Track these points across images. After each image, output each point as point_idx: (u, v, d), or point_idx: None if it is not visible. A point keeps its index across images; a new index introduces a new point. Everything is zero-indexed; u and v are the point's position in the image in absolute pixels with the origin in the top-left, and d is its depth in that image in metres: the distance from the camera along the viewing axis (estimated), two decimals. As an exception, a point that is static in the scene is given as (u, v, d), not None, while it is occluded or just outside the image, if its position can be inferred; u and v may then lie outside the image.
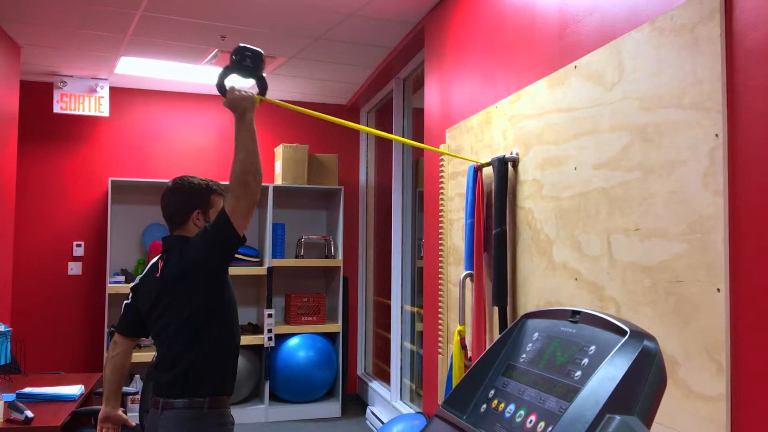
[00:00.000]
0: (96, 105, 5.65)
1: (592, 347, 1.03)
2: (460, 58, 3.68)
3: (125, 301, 2.59)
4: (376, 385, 6.01)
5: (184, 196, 2.49)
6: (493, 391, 1.20)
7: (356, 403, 6.26)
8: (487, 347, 3.02)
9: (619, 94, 2.15)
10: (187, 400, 2.31)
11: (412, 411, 4.88)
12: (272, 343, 5.74)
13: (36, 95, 5.63)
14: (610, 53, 2.21)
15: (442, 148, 3.78)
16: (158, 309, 2.43)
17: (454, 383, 3.12)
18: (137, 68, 5.45)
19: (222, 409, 2.38)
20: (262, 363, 5.86)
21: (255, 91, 2.36)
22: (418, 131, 5.38)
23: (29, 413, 2.97)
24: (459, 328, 3.19)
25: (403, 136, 5.56)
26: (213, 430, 2.33)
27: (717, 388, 1.69)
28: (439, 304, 3.73)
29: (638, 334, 0.97)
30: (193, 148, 6.18)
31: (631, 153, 2.08)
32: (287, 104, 2.52)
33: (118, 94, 5.88)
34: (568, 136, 2.45)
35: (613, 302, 2.13)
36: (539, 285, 2.63)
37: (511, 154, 2.87)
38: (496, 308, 2.90)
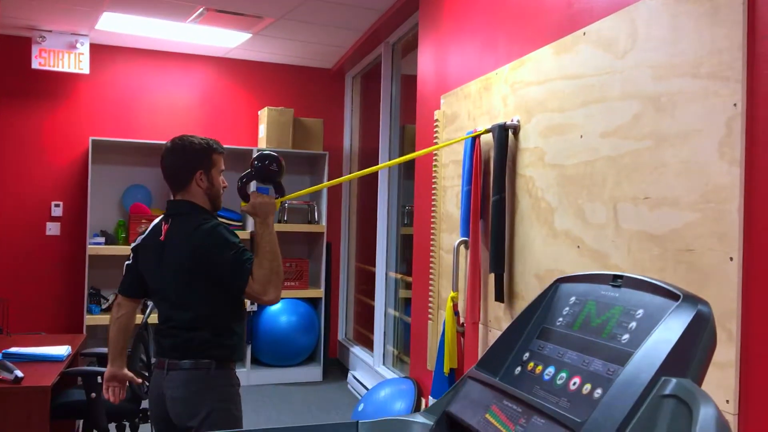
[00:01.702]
0: (76, 62, 5.49)
1: (640, 311, 1.03)
2: (457, 22, 3.64)
3: (126, 262, 2.54)
4: (357, 350, 6.05)
5: (185, 157, 2.42)
6: (527, 354, 1.20)
7: (337, 368, 6.30)
8: (481, 314, 3.06)
9: (631, 62, 2.14)
10: (193, 361, 2.30)
11: (395, 376, 4.91)
12: (254, 307, 5.73)
13: (14, 50, 5.46)
14: (623, 20, 2.19)
15: (436, 114, 3.75)
16: (160, 272, 2.39)
17: (447, 348, 3.15)
18: (119, 25, 5.29)
19: (228, 370, 2.38)
20: (244, 327, 5.84)
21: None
22: (406, 97, 5.35)
23: (19, 373, 2.92)
24: (452, 294, 3.20)
25: (390, 103, 5.51)
26: (220, 391, 2.32)
27: (727, 355, 1.72)
28: (431, 270, 3.73)
29: (692, 298, 0.97)
30: (176, 108, 6.06)
31: (643, 122, 2.08)
32: (302, 192, 2.62)
33: (99, 51, 5.72)
34: (574, 104, 2.44)
35: (618, 270, 2.14)
36: (539, 253, 2.64)
37: (512, 121, 2.86)
38: (491, 275, 2.92)
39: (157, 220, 2.52)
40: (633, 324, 1.03)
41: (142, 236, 2.53)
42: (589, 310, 1.13)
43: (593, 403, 0.98)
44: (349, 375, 5.89)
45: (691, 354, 0.93)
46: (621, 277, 1.13)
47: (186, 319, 2.34)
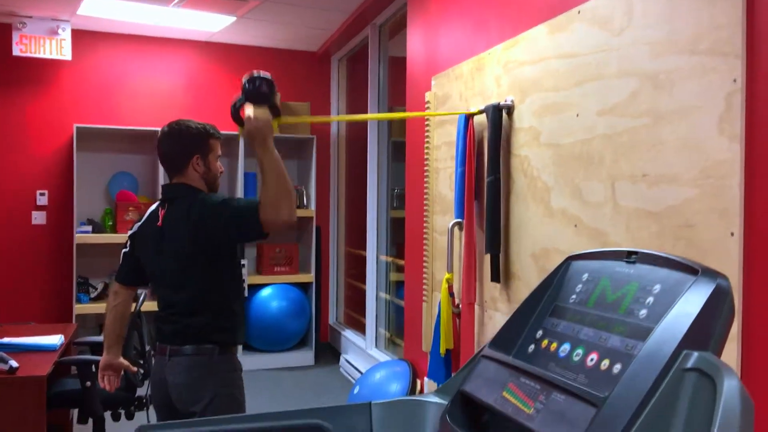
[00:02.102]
0: (57, 48, 5.40)
1: (657, 286, 1.04)
2: (447, 2, 3.62)
3: (123, 250, 2.51)
4: (348, 334, 6.06)
5: (181, 142, 2.40)
6: (541, 332, 1.20)
7: (328, 352, 6.31)
8: (477, 294, 3.07)
9: (628, 39, 2.14)
10: (194, 347, 2.29)
11: (389, 358, 4.93)
12: (246, 294, 5.71)
13: (-7, 36, 5.36)
14: (618, -2, 2.18)
15: (427, 96, 3.74)
16: (159, 258, 2.37)
17: (443, 330, 3.16)
18: (101, 9, 5.21)
19: (231, 354, 2.37)
20: (243, 308, 5.81)
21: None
22: (394, 80, 5.32)
23: (14, 363, 2.89)
24: (447, 276, 3.21)
25: (378, 86, 5.48)
26: (223, 376, 2.32)
27: (729, 329, 1.73)
28: (424, 253, 3.74)
29: (710, 272, 0.98)
30: (161, 94, 5.98)
31: (640, 99, 2.08)
32: (304, 119, 2.43)
33: (81, 36, 5.62)
34: (569, 83, 2.43)
35: (617, 247, 2.16)
36: (535, 232, 2.65)
37: (506, 101, 2.85)
38: (486, 256, 2.92)
39: (153, 207, 2.49)
40: (650, 299, 1.04)
41: (139, 224, 2.50)
42: (604, 287, 1.13)
43: (613, 379, 0.98)
44: (341, 359, 5.91)
45: (712, 328, 0.94)
46: (636, 253, 1.13)
47: (185, 303, 2.32)
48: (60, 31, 5.38)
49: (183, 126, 2.40)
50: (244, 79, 2.20)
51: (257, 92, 2.19)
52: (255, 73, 2.20)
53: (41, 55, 5.36)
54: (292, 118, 2.41)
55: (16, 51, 5.27)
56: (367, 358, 5.38)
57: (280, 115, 2.26)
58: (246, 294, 5.69)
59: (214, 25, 5.60)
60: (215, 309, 2.34)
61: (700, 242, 1.84)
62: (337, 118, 2.68)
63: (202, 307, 2.32)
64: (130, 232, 2.52)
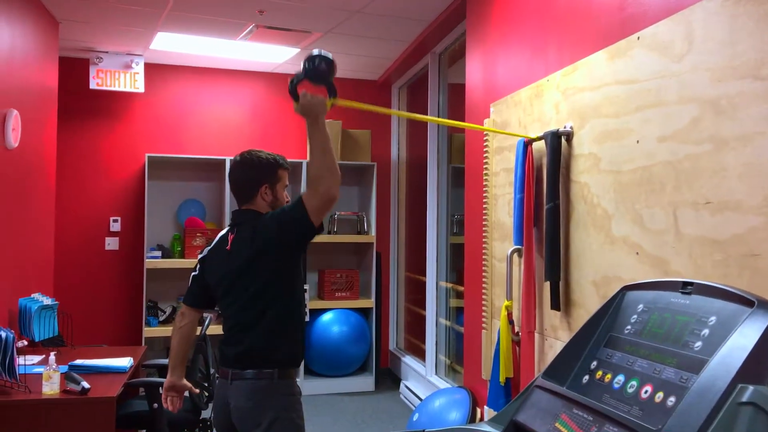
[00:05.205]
0: (131, 81, 5.66)
1: (712, 318, 1.02)
2: (505, 30, 3.64)
3: (192, 273, 2.61)
4: (408, 360, 6.05)
5: (252, 171, 2.50)
6: (595, 363, 1.19)
7: (388, 378, 6.31)
8: (537, 322, 3.03)
9: (688, 65, 2.11)
10: (256, 371, 2.35)
11: (449, 385, 4.90)
12: (307, 318, 5.79)
13: (73, 71, 5.65)
14: (678, 24, 2.16)
15: (486, 123, 3.75)
16: (226, 282, 2.46)
17: (502, 358, 3.14)
18: (172, 44, 5.45)
19: (290, 379, 2.42)
20: (304, 332, 5.89)
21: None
22: (453, 107, 5.35)
23: (86, 384, 3.01)
24: (506, 303, 3.19)
25: (438, 113, 5.53)
26: (283, 400, 2.36)
27: (798, 362, 1.67)
28: (483, 279, 3.72)
29: (767, 305, 0.96)
30: (228, 124, 6.19)
31: (702, 125, 2.05)
32: (357, 104, 2.52)
33: (152, 70, 5.89)
34: (629, 109, 2.41)
35: (680, 277, 2.11)
36: (596, 259, 2.61)
37: (565, 127, 2.84)
38: (546, 283, 2.90)
39: (223, 232, 2.59)
40: (705, 331, 1.02)
41: (209, 248, 2.60)
42: (659, 318, 1.12)
43: (667, 412, 0.97)
44: (401, 385, 5.90)
45: (768, 361, 0.92)
46: (691, 284, 1.12)
47: (249, 326, 2.39)
48: (133, 65, 5.64)
49: (254, 156, 2.50)
50: (305, 57, 2.28)
51: (316, 71, 2.28)
52: (315, 51, 2.29)
53: (116, 88, 5.63)
54: (348, 101, 2.50)
55: (93, 84, 5.55)
56: (426, 384, 5.36)
57: (336, 95, 2.33)
58: (307, 318, 5.77)
59: (279, 56, 5.77)
60: (276, 332, 2.40)
61: (766, 271, 1.79)
62: (398, 113, 2.70)
63: (264, 330, 2.38)
64: (200, 256, 2.62)
